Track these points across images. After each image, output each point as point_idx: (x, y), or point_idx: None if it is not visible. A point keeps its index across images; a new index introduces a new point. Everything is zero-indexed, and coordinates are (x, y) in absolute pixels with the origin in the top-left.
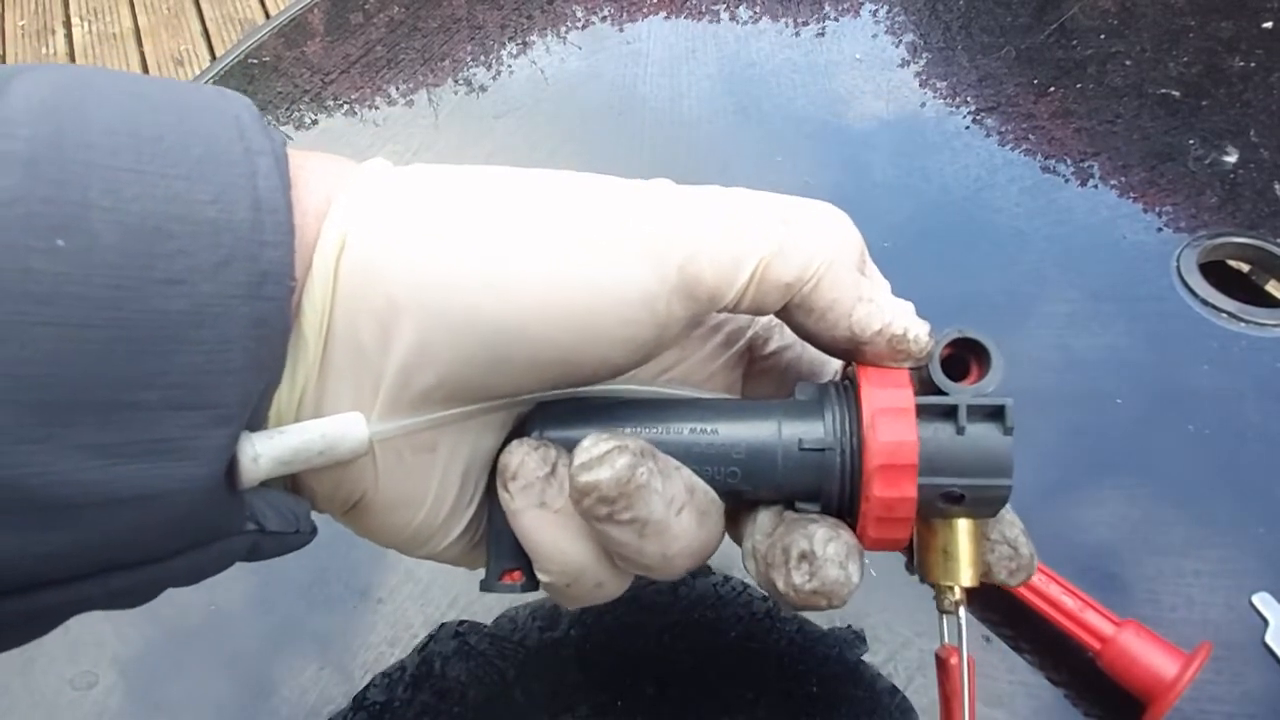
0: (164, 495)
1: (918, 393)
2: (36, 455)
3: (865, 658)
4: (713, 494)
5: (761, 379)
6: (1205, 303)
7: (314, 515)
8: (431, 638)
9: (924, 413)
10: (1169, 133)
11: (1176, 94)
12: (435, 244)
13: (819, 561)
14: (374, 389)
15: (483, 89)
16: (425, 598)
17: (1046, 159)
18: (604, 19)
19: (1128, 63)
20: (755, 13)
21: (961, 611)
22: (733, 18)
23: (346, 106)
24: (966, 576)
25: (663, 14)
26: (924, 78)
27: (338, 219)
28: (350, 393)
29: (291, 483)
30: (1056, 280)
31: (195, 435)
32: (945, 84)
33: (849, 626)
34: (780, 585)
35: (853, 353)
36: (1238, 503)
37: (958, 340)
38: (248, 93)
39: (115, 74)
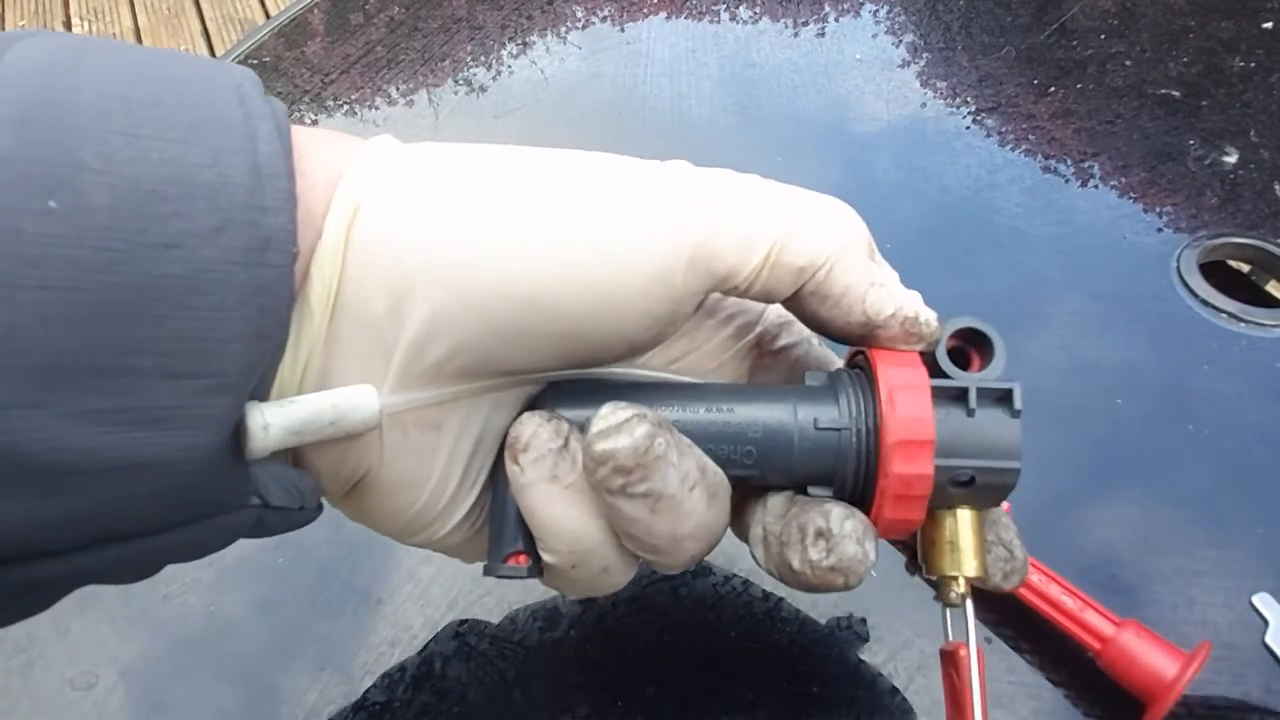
0: (161, 464)
1: None
2: (30, 421)
3: (865, 658)
4: (723, 475)
5: (768, 374)
6: (1205, 303)
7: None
8: (432, 638)
9: (936, 395)
10: (1169, 133)
11: (1176, 94)
12: (450, 214)
13: (836, 538)
14: (384, 362)
15: (483, 89)
16: (425, 598)
17: (1046, 159)
18: (604, 19)
19: (1128, 63)
20: (755, 13)
21: (968, 603)
22: (733, 18)
23: (346, 106)
24: (971, 566)
25: (663, 14)
26: (924, 78)
27: (350, 189)
28: (358, 365)
29: (294, 460)
30: (1056, 280)
31: (193, 404)
32: (945, 84)
33: (849, 627)
34: (796, 563)
35: (866, 337)
36: (1238, 503)
37: (960, 332)
38: None
39: (114, 42)
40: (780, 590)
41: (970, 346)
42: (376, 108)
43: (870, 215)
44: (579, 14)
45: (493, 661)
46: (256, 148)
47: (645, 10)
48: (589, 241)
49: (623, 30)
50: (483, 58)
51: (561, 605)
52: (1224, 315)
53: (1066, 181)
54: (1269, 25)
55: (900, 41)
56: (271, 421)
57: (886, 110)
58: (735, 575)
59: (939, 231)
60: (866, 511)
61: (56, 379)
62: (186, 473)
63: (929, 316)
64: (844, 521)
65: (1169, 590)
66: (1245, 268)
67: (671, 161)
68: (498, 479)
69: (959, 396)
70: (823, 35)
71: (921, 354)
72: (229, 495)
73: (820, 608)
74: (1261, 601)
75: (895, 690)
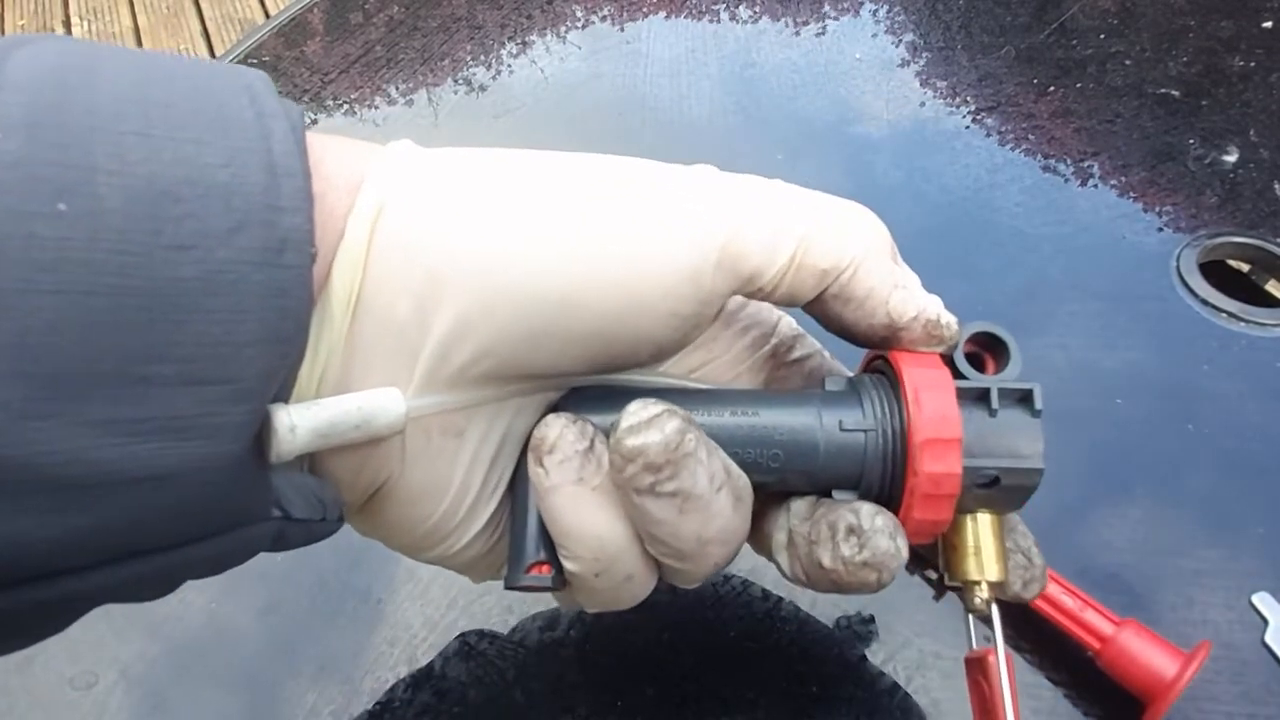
0: (181, 475)
1: None
2: (46, 432)
3: (866, 659)
4: (747, 479)
5: (783, 385)
6: (1205, 302)
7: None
8: (432, 638)
9: (959, 395)
10: (1169, 132)
11: (1176, 94)
12: (476, 215)
13: (868, 533)
14: (408, 365)
15: (482, 89)
16: (425, 598)
17: (1046, 159)
18: (604, 19)
19: (1128, 62)
20: (755, 12)
21: (994, 609)
22: (733, 18)
23: (346, 106)
24: (994, 571)
25: (662, 14)
26: (924, 77)
27: (373, 190)
28: (380, 369)
29: (312, 468)
30: (1056, 280)
31: (212, 412)
32: (945, 84)
33: (849, 626)
34: (827, 561)
35: (888, 339)
36: (1237, 502)
37: (976, 336)
38: None
39: (119, 47)
40: (780, 590)
41: (985, 350)
42: (376, 107)
43: None
44: (579, 13)
45: (492, 661)
46: (271, 147)
47: (645, 10)
48: (616, 242)
49: (622, 30)
50: (482, 57)
51: (563, 605)
52: (1224, 315)
53: (1066, 181)
54: (1269, 25)
55: (900, 41)
56: (298, 423)
57: (886, 110)
58: (735, 575)
59: (938, 231)
60: (894, 514)
61: (71, 387)
62: (206, 484)
63: (950, 319)
64: (874, 517)
65: (1169, 590)
66: (1245, 267)
67: (697, 165)
68: (518, 487)
69: (981, 397)
70: (822, 35)
71: (940, 356)
72: (250, 507)
73: (820, 607)
74: (1261, 601)
75: (895, 690)
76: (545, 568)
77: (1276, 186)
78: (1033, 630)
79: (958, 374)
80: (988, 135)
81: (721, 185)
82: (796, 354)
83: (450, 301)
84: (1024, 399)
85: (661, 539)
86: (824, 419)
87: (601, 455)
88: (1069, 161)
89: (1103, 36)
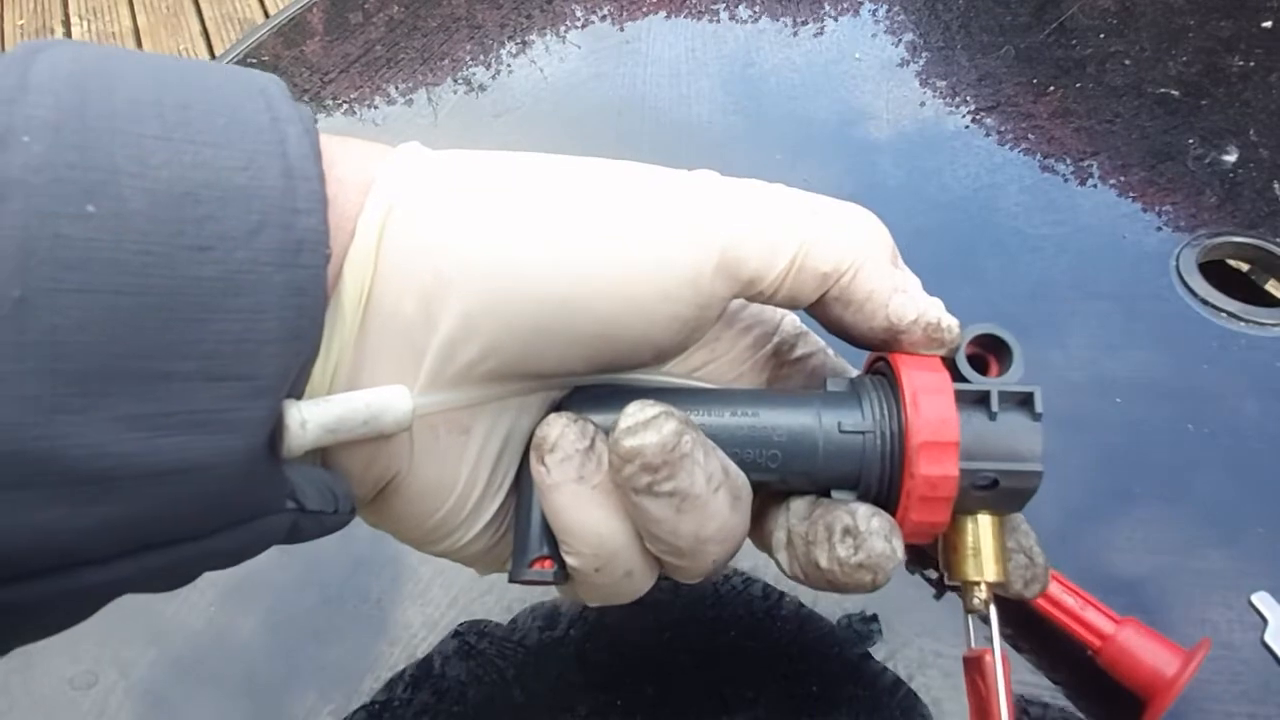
0: (202, 468)
1: None
2: (75, 426)
3: (866, 658)
4: (745, 479)
5: (785, 384)
6: (1205, 302)
7: None
8: (432, 637)
9: (958, 398)
10: (1168, 132)
11: (1176, 93)
12: (483, 216)
13: (863, 535)
14: (415, 363)
15: (482, 88)
16: (425, 597)
17: (1046, 159)
18: (603, 18)
19: (1127, 62)
20: (755, 12)
21: (992, 609)
22: (732, 17)
23: (346, 106)
24: (993, 572)
25: (662, 13)
26: (923, 77)
27: (383, 191)
28: (389, 367)
29: (325, 462)
30: (1056, 280)
31: (233, 407)
32: (945, 83)
33: (849, 625)
34: (824, 561)
35: (889, 342)
36: (1237, 501)
37: (979, 338)
38: None
39: (134, 51)
40: (780, 588)
41: (988, 353)
42: (376, 107)
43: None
44: (578, 13)
45: (492, 661)
46: (286, 150)
47: (644, 9)
48: (618, 245)
49: (622, 29)
50: (482, 57)
51: (561, 604)
52: (1223, 314)
53: (1066, 181)
54: (1268, 24)
55: (900, 41)
56: (308, 419)
57: (886, 109)
58: (735, 574)
59: (938, 231)
60: (891, 514)
61: (98, 383)
62: (225, 476)
63: (951, 323)
64: (871, 519)
65: (1168, 588)
66: (1245, 267)
67: (698, 170)
68: (522, 483)
69: (981, 400)
70: (822, 35)
71: (942, 359)
72: (266, 499)
73: (821, 606)
74: (1260, 600)
75: (895, 689)
76: (548, 563)
77: (1276, 186)
78: (1033, 628)
79: (959, 376)
80: (987, 135)
81: (722, 190)
82: (799, 352)
83: (455, 301)
84: (1025, 402)
85: (660, 537)
86: (823, 420)
87: (602, 454)
88: (1069, 161)
89: (1102, 36)
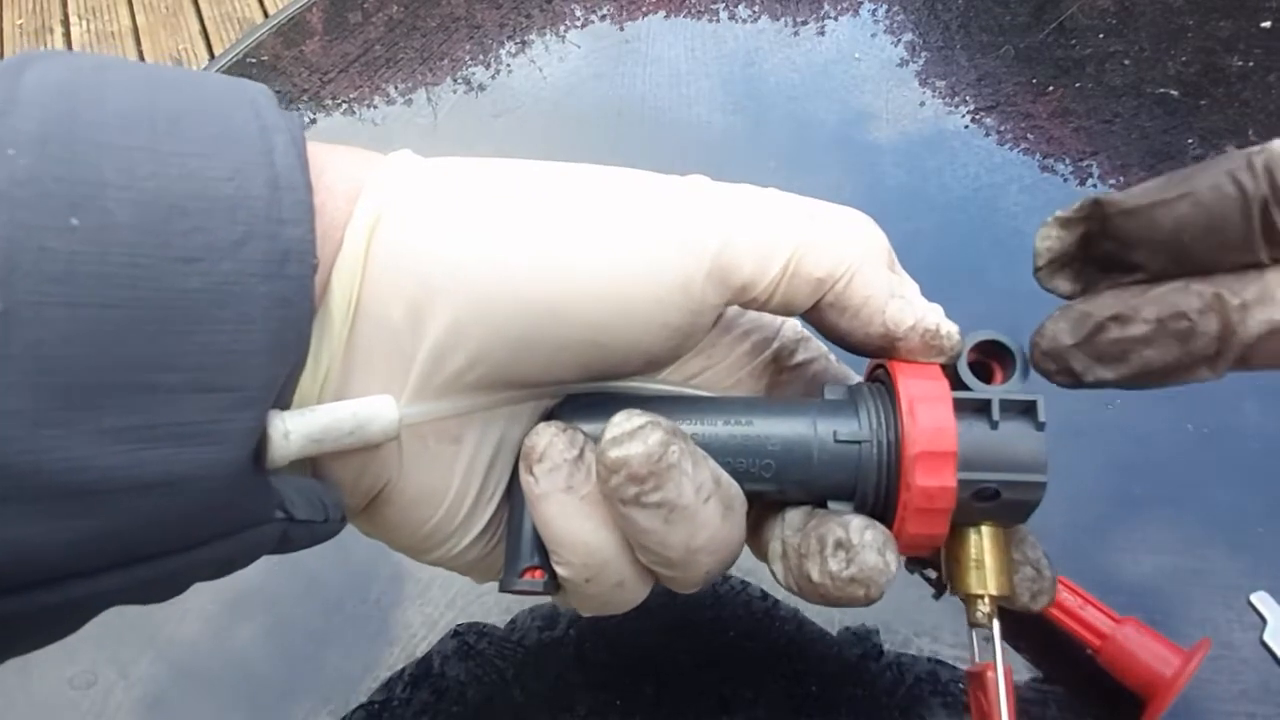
0: (189, 480)
1: None
2: (59, 439)
3: (865, 658)
4: (738, 489)
5: (785, 390)
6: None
7: None
8: (431, 637)
9: (958, 407)
10: (1168, 132)
11: (1175, 93)
12: (471, 224)
13: (856, 548)
14: (404, 372)
15: (481, 88)
16: (424, 597)
17: (1045, 158)
18: (603, 18)
19: (1126, 62)
20: (754, 11)
21: (995, 623)
22: (732, 16)
23: (345, 106)
24: (996, 584)
25: (662, 13)
26: (923, 77)
27: (371, 199)
28: (379, 376)
29: (315, 471)
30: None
31: (219, 419)
32: (944, 83)
33: (848, 626)
34: (815, 575)
35: (886, 349)
36: (1237, 501)
37: (981, 345)
38: None
39: (129, 61)
40: (779, 589)
41: (991, 360)
42: (375, 107)
43: (867, 214)
44: (578, 13)
45: (492, 661)
46: (273, 160)
47: (643, 9)
48: (608, 252)
49: (622, 29)
50: (481, 56)
51: (560, 604)
52: None
53: (1065, 180)
54: (1268, 24)
55: (899, 40)
56: (292, 429)
57: (885, 109)
58: (734, 575)
59: (936, 230)
60: (889, 526)
61: (86, 397)
62: (212, 489)
63: (950, 329)
64: (864, 532)
65: (1168, 588)
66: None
67: (690, 176)
68: (514, 493)
69: (981, 409)
70: (822, 34)
71: (943, 367)
72: (255, 510)
73: (819, 607)
74: (1260, 600)
75: (894, 689)
76: (538, 573)
77: None
78: (1033, 628)
79: (959, 384)
80: (987, 135)
81: (714, 195)
82: (799, 359)
83: (442, 309)
84: (1028, 411)
85: (649, 548)
86: (819, 428)
87: (591, 464)
88: (1068, 161)
89: (1102, 36)
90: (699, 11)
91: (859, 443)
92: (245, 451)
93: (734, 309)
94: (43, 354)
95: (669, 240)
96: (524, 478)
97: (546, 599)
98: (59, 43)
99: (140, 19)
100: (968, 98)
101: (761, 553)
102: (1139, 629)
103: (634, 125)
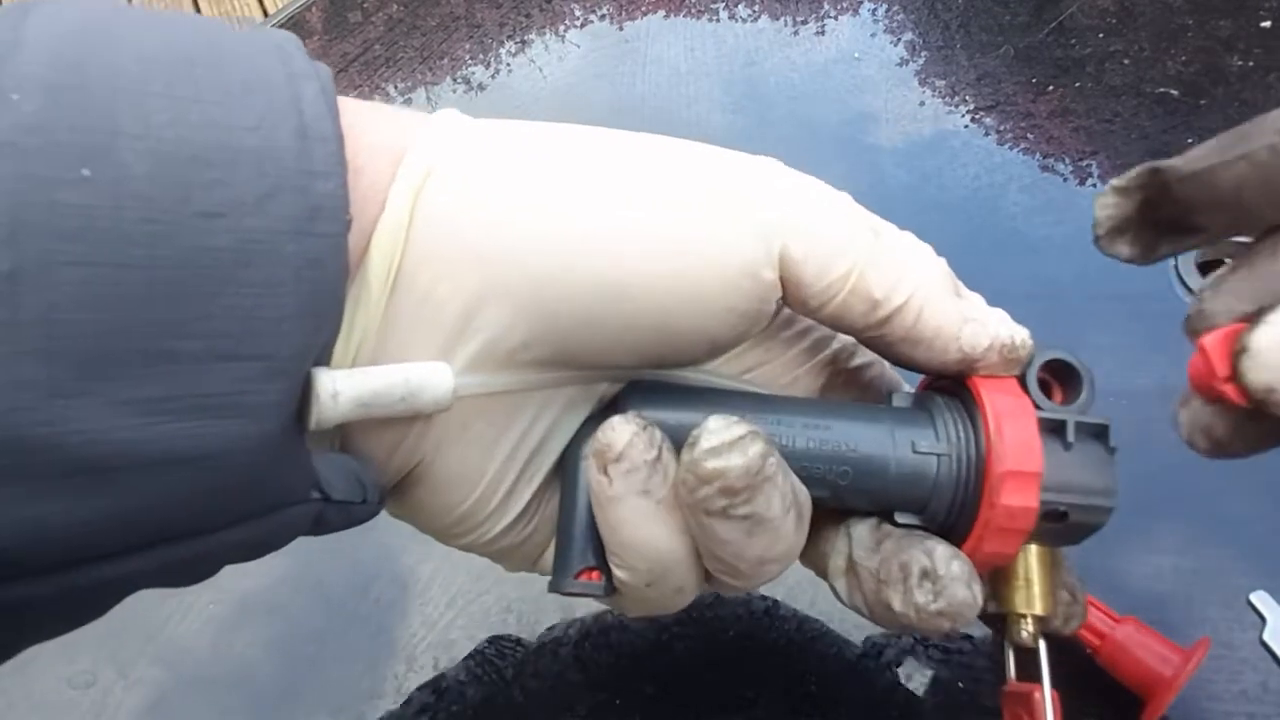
0: (214, 456)
1: None
2: (73, 411)
3: (864, 657)
4: (809, 497)
5: (840, 394)
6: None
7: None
8: (430, 637)
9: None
10: (1167, 131)
11: (1175, 93)
12: (532, 192)
13: (944, 580)
14: (447, 347)
15: (481, 88)
16: (424, 596)
17: (1045, 158)
18: (602, 17)
19: (1126, 61)
20: (754, 11)
21: (1042, 643)
22: (731, 16)
23: None
24: (1043, 605)
25: (661, 13)
26: (923, 76)
27: (417, 160)
28: (419, 349)
29: (342, 446)
30: (1055, 279)
31: (246, 390)
32: (944, 82)
33: (848, 626)
34: (897, 604)
35: (964, 371)
36: (1236, 500)
37: (1048, 364)
38: None
39: (149, 10)
40: (779, 589)
41: (1052, 378)
42: None
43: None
44: (577, 12)
45: (491, 660)
46: (302, 109)
47: (643, 8)
48: (678, 231)
49: (621, 29)
50: (481, 56)
51: (560, 604)
52: None
53: (1065, 180)
54: (1267, 24)
55: (899, 40)
56: (342, 390)
57: (884, 108)
58: None
59: (936, 230)
60: (957, 543)
61: (101, 365)
62: (240, 465)
63: (1023, 337)
64: (951, 563)
65: (1167, 587)
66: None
67: (760, 157)
68: (566, 486)
69: (1055, 429)
70: (821, 34)
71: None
72: (288, 488)
73: (819, 606)
74: (1259, 599)
75: (894, 689)
76: (595, 574)
77: None
78: None
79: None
80: (986, 134)
81: (789, 182)
82: (857, 362)
83: (500, 285)
84: (1099, 434)
85: (723, 558)
86: (896, 438)
87: (668, 465)
88: (1068, 161)
89: (1101, 36)
90: (699, 11)
91: (938, 455)
92: (275, 425)
93: None
94: (55, 319)
95: (741, 223)
96: (595, 477)
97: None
98: None
99: None
100: (967, 97)
101: (816, 564)
102: (1138, 628)
103: (634, 125)
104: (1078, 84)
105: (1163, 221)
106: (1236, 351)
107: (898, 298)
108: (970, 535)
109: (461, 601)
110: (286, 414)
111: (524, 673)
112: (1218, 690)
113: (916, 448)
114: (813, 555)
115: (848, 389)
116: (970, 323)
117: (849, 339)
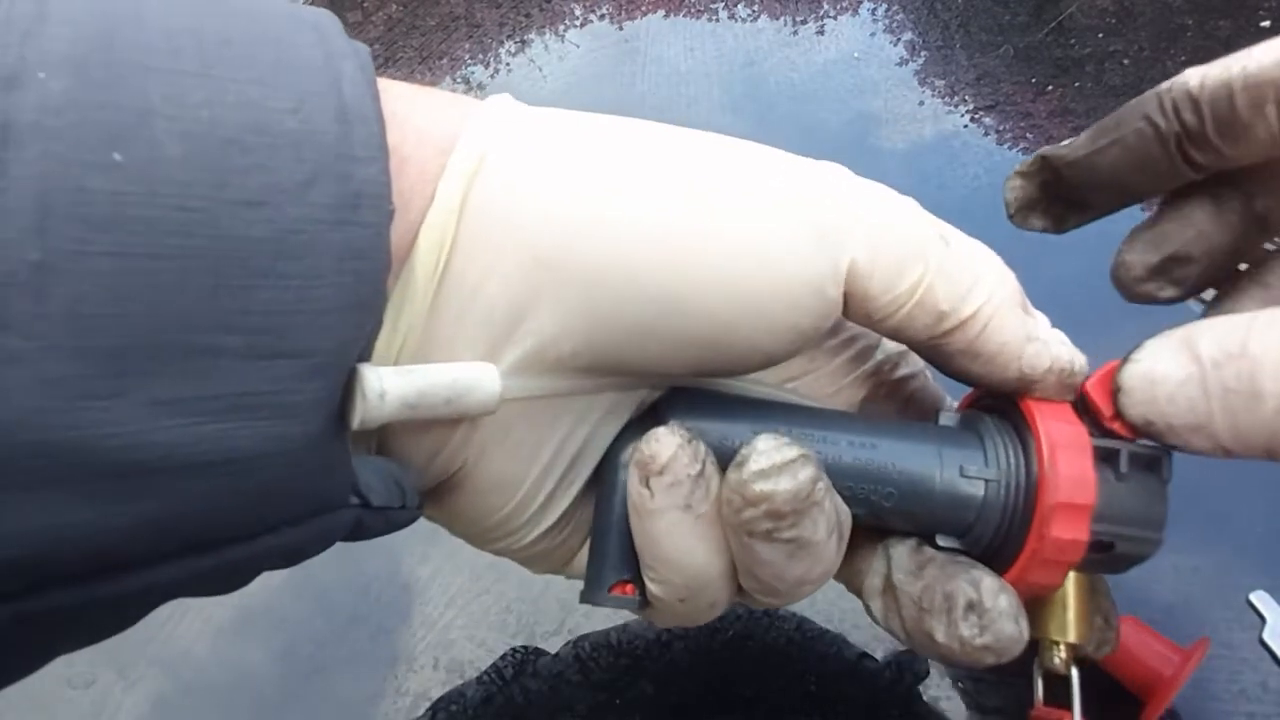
0: (253, 458)
1: None
2: (105, 413)
3: (865, 657)
4: (849, 516)
5: (882, 405)
6: (1204, 301)
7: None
8: (429, 637)
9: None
10: None
11: None
12: (591, 189)
13: (991, 614)
14: (493, 346)
15: (481, 87)
16: (424, 596)
17: None
18: (602, 17)
19: (1126, 61)
20: (754, 11)
21: (1074, 671)
22: (731, 16)
23: None
24: (1078, 633)
25: (661, 13)
26: (922, 76)
27: (469, 149)
28: (465, 349)
29: (379, 449)
30: (1054, 280)
31: (286, 389)
32: (943, 82)
33: (848, 626)
34: (941, 635)
35: (1018, 391)
36: (1236, 500)
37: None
38: None
39: None
40: None
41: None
42: None
43: None
44: (577, 12)
45: (491, 660)
46: (342, 89)
47: (644, 9)
48: (742, 241)
49: (621, 29)
50: (481, 56)
51: (560, 604)
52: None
53: None
54: (1267, 24)
55: (899, 40)
56: (388, 389)
57: (884, 109)
58: None
59: None
60: (1000, 570)
61: (134, 362)
62: (280, 468)
63: (1082, 363)
64: (998, 596)
65: (1167, 587)
66: (1244, 266)
67: (825, 163)
68: (602, 495)
69: (1109, 457)
70: (821, 34)
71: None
72: (328, 493)
73: (818, 606)
74: (1259, 599)
75: (894, 689)
76: (629, 588)
77: None
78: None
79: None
80: (986, 134)
81: (856, 192)
82: (901, 372)
83: (551, 284)
84: (1151, 465)
85: (761, 578)
86: (944, 460)
87: (711, 480)
88: None
89: (1101, 35)
90: (699, 11)
91: (987, 480)
92: (316, 426)
93: None
94: (85, 312)
95: (807, 236)
96: (636, 489)
97: (549, 595)
98: None
99: None
100: (967, 97)
101: (851, 582)
102: (1138, 628)
103: None
104: (1077, 84)
105: (1062, 198)
106: (1113, 391)
107: (966, 310)
108: (1015, 564)
109: (461, 601)
110: (328, 414)
111: (524, 673)
112: (1217, 690)
113: (965, 471)
114: (846, 572)
115: (890, 400)
116: (1034, 342)
117: (894, 348)
